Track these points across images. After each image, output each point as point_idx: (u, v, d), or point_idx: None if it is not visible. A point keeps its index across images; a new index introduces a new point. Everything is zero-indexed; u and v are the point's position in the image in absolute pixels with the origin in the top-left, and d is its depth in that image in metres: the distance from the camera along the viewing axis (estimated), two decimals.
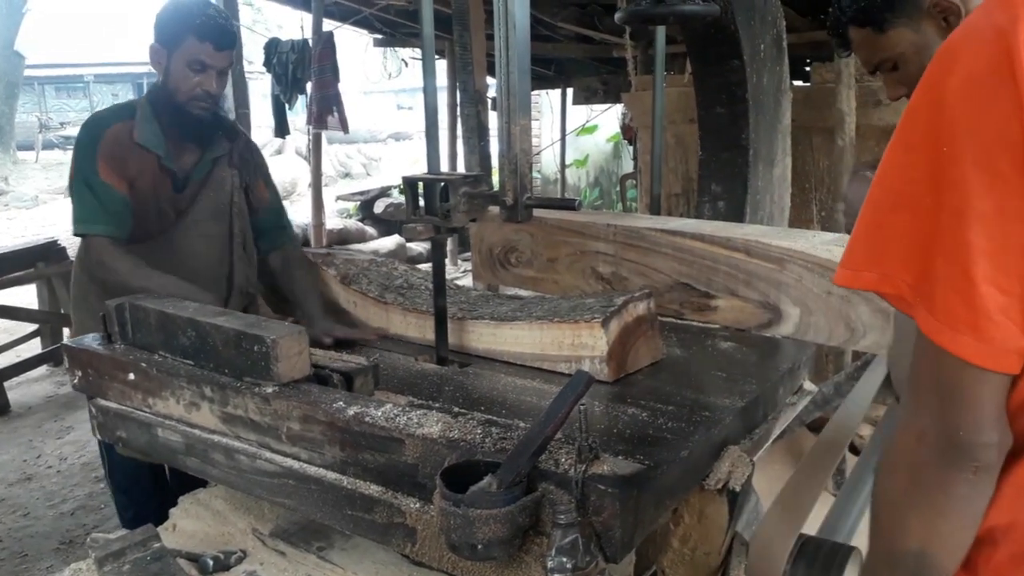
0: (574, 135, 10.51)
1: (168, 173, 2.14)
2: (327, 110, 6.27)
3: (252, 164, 2.33)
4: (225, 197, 2.24)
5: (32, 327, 5.51)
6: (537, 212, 1.61)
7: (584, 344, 1.58)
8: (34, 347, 5.43)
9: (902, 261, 0.78)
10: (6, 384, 4.85)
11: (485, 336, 1.76)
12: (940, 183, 0.74)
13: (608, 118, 10.35)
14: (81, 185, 2.05)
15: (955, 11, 1.16)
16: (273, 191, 2.40)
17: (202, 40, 2.06)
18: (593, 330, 1.56)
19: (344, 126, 6.42)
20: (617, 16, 2.36)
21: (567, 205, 1.75)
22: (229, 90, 5.65)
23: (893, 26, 1.25)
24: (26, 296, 5.72)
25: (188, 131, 2.15)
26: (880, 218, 0.81)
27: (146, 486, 2.27)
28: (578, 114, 10.31)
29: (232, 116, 6.47)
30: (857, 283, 0.83)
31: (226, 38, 2.10)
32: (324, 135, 7.10)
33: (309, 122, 6.53)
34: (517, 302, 1.86)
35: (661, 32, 2.54)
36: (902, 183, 0.78)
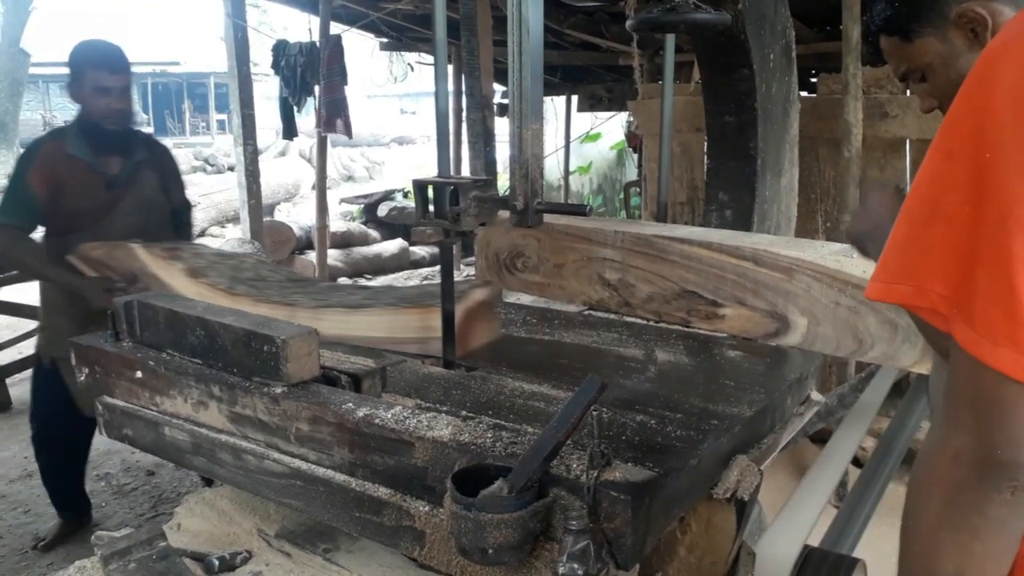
0: (578, 142, 10.52)
1: (99, 175, 2.67)
2: (336, 114, 6.26)
3: (170, 170, 2.92)
4: (145, 195, 2.77)
5: (35, 324, 5.50)
6: (545, 218, 1.61)
7: (432, 327, 1.75)
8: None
9: (938, 273, 0.75)
10: (8, 380, 4.85)
11: (337, 323, 1.86)
12: (981, 191, 0.72)
13: (612, 126, 10.36)
14: (10, 185, 2.61)
15: (982, 22, 1.15)
16: (184, 193, 3.02)
17: (97, 69, 2.58)
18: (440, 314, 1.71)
19: (348, 131, 6.42)
20: (628, 23, 2.37)
21: (578, 211, 1.75)
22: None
23: (920, 35, 1.24)
24: (29, 293, 5.72)
25: (109, 143, 2.68)
26: (915, 229, 0.78)
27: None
28: (582, 121, 10.32)
29: (236, 118, 6.48)
30: (890, 296, 0.80)
31: (118, 62, 2.64)
32: (328, 138, 7.10)
33: (319, 125, 6.53)
34: (368, 291, 2.05)
35: (671, 40, 2.54)
36: (940, 192, 0.76)
